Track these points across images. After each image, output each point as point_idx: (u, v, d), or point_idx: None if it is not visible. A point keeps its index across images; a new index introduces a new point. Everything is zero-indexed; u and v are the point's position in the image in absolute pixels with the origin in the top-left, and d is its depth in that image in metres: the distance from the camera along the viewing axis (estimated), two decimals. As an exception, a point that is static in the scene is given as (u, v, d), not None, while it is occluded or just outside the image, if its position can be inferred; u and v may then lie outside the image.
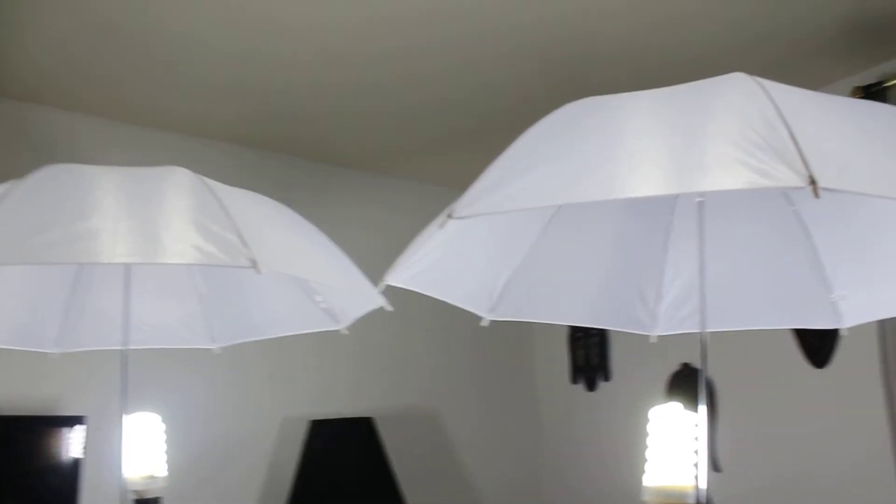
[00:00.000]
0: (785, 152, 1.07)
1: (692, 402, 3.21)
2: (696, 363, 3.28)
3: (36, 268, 2.17)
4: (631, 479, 3.54)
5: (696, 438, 1.45)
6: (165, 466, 1.90)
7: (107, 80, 2.78)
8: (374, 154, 3.59)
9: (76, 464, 2.63)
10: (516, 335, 4.05)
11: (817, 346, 2.90)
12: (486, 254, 1.83)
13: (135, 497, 1.81)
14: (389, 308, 1.83)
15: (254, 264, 1.45)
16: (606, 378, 3.77)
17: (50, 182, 1.59)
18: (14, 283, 2.15)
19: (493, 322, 1.94)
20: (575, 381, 3.92)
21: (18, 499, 2.59)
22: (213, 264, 1.64)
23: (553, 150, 1.27)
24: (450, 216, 1.16)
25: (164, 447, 1.92)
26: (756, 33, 2.62)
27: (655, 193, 1.14)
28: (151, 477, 1.85)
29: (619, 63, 2.79)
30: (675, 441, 1.46)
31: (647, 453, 1.48)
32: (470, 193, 1.20)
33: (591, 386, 3.84)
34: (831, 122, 1.23)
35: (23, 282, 2.17)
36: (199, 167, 1.77)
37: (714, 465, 3.28)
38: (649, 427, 1.50)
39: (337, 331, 2.27)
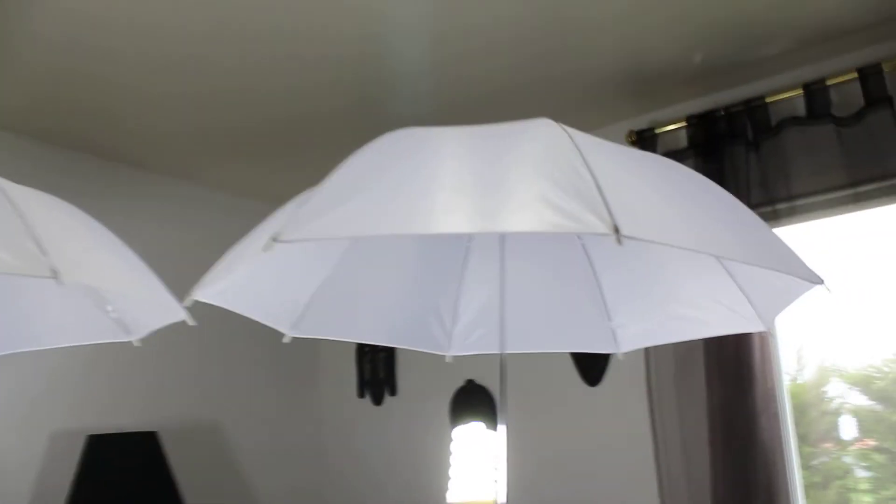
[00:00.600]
0: (591, 200, 1.18)
1: (476, 416, 3.37)
2: (479, 380, 3.47)
3: None
4: (413, 490, 3.66)
5: (496, 456, 1.54)
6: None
7: None
8: (169, 159, 3.46)
9: None
10: (304, 348, 4.04)
11: (590, 366, 3.15)
12: (289, 272, 1.84)
13: None
14: (192, 322, 1.78)
15: (55, 274, 1.37)
16: (393, 392, 3.86)
17: None
18: None
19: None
20: (362, 394, 3.97)
21: None
22: (7, 272, 1.52)
23: (374, 180, 1.31)
24: (275, 239, 1.16)
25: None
26: (540, 76, 2.84)
27: (467, 231, 1.22)
28: None
29: (416, 95, 2.94)
30: (475, 459, 1.54)
31: (450, 471, 1.55)
32: (296, 217, 1.21)
33: (377, 400, 3.91)
34: (627, 174, 1.37)
35: None
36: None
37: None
38: (452, 446, 1.57)
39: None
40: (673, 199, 1.43)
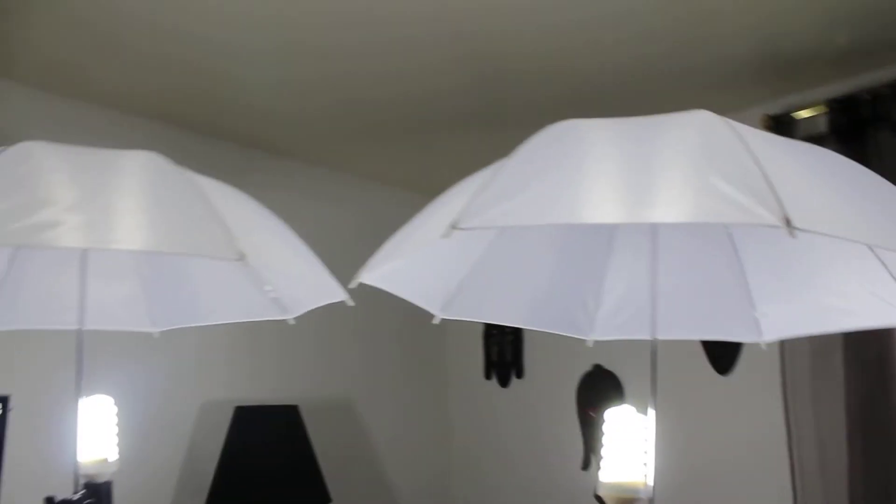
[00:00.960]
0: (760, 191, 1.20)
1: (604, 401, 3.40)
2: (606, 365, 3.49)
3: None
4: (538, 470, 3.73)
5: (646, 439, 1.59)
6: (117, 450, 1.89)
7: (36, 46, 2.67)
8: (306, 145, 3.61)
9: (-1, 444, 2.57)
10: (432, 330, 4.15)
11: (721, 355, 3.14)
12: (444, 256, 1.92)
13: (85, 481, 1.79)
14: (351, 303, 1.89)
15: (241, 257, 1.49)
16: (519, 375, 3.93)
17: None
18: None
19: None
20: (488, 376, 4.06)
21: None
22: (201, 256, 1.67)
23: (542, 172, 1.37)
24: (454, 227, 1.24)
25: (116, 430, 1.91)
26: (669, 61, 2.81)
27: (634, 221, 1.27)
28: (104, 461, 1.84)
29: (541, 81, 2.97)
30: (627, 441, 1.59)
31: (603, 451, 1.61)
32: (473, 206, 1.28)
33: (503, 382, 3.99)
34: (789, 163, 1.38)
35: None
36: (136, 146, 1.76)
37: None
38: (604, 427, 1.63)
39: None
40: (834, 187, 1.43)
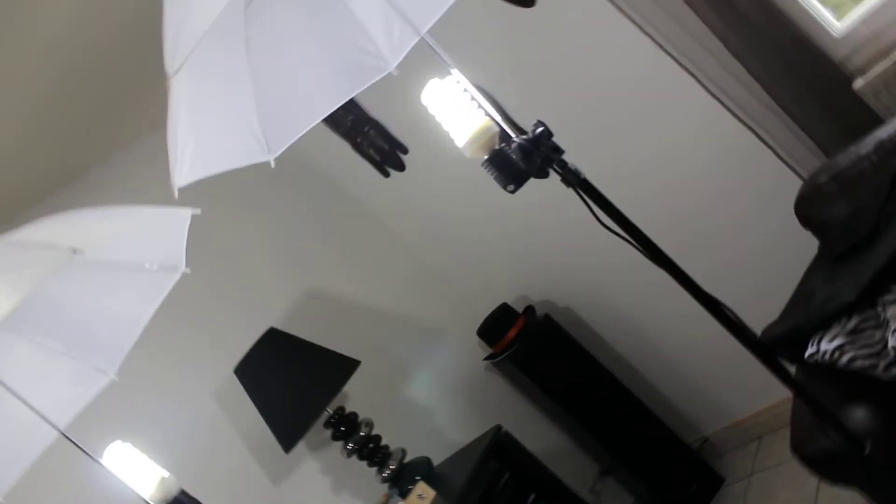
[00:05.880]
0: None
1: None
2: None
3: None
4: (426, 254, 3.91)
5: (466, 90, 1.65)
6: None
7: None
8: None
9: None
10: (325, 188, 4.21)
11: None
12: (226, 111, 1.94)
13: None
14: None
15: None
16: (404, 152, 3.97)
17: None
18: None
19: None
20: (386, 173, 4.02)
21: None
22: None
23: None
24: (169, 76, 1.29)
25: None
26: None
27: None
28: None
29: None
30: (456, 104, 1.65)
31: (444, 126, 1.67)
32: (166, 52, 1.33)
33: (389, 171, 4.01)
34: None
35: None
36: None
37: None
38: (431, 108, 1.68)
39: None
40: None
